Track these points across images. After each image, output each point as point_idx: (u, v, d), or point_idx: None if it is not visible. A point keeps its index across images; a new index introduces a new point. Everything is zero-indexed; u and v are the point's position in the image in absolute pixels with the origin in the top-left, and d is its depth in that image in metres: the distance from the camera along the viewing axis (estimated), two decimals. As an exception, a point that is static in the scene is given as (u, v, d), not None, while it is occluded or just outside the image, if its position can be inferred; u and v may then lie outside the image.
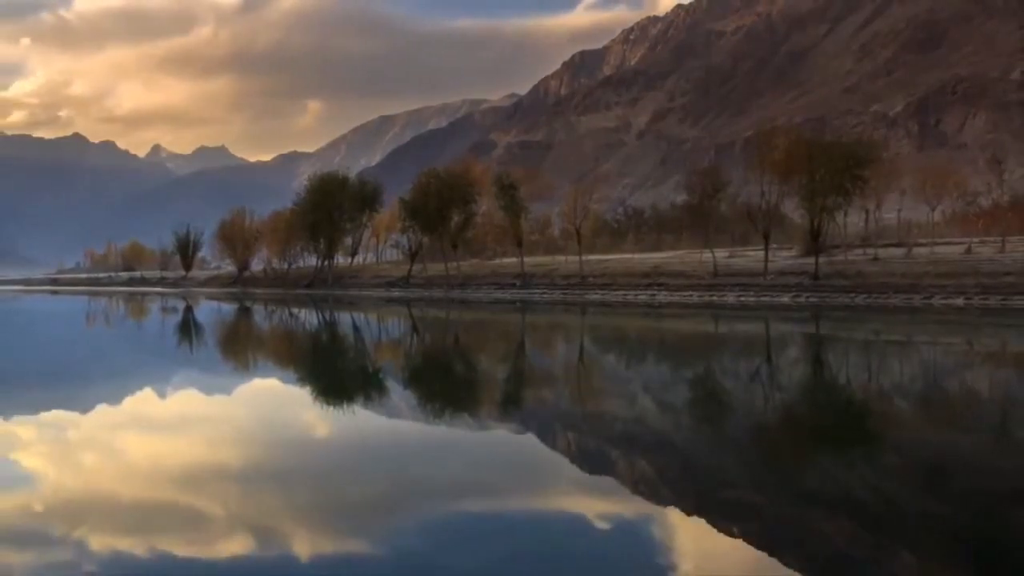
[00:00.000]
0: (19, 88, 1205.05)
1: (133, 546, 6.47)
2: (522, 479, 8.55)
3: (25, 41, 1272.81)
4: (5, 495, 8.04)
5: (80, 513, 7.46)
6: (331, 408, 13.67)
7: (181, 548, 6.48)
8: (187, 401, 14.78)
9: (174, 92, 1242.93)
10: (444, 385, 16.33)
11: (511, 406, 13.45)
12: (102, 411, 13.20)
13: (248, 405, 14.43)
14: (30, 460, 9.80)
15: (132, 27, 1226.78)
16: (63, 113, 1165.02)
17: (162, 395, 15.49)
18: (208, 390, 16.04)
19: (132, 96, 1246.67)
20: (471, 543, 6.46)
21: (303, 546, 6.51)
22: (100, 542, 6.59)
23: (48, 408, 13.18)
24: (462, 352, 23.71)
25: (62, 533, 6.83)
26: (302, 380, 17.88)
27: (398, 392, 15.51)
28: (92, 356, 24.27)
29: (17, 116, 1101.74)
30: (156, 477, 8.77)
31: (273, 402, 14.61)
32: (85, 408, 13.30)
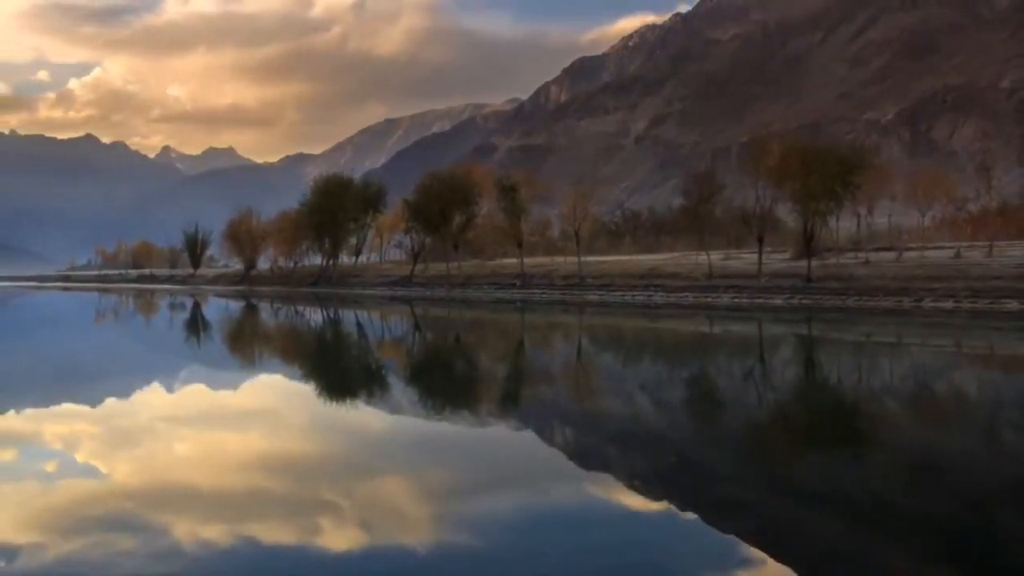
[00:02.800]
0: (86, 84, 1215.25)
1: (203, 532, 6.72)
2: (519, 474, 8.74)
3: (107, 40, 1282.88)
4: (81, 484, 8.39)
5: (162, 500, 7.71)
6: (343, 402, 14.15)
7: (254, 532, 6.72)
8: (205, 394, 15.25)
9: (241, 95, 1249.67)
10: (452, 382, 16.67)
11: (510, 403, 13.88)
12: (139, 403, 13.75)
13: (266, 399, 14.76)
14: (85, 449, 10.19)
15: (220, 33, 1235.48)
16: (119, 116, 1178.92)
17: (173, 389, 15.81)
18: (218, 384, 16.41)
19: (196, 97, 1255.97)
20: (469, 535, 6.70)
21: (331, 535, 6.74)
22: (185, 530, 6.80)
23: (83, 400, 13.56)
24: (464, 350, 23.98)
25: (148, 520, 7.07)
26: (315, 376, 18.09)
27: (408, 388, 15.86)
28: (107, 351, 24.81)
29: (77, 113, 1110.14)
30: (202, 466, 9.19)
31: (294, 396, 14.91)
32: (122, 401, 13.87)
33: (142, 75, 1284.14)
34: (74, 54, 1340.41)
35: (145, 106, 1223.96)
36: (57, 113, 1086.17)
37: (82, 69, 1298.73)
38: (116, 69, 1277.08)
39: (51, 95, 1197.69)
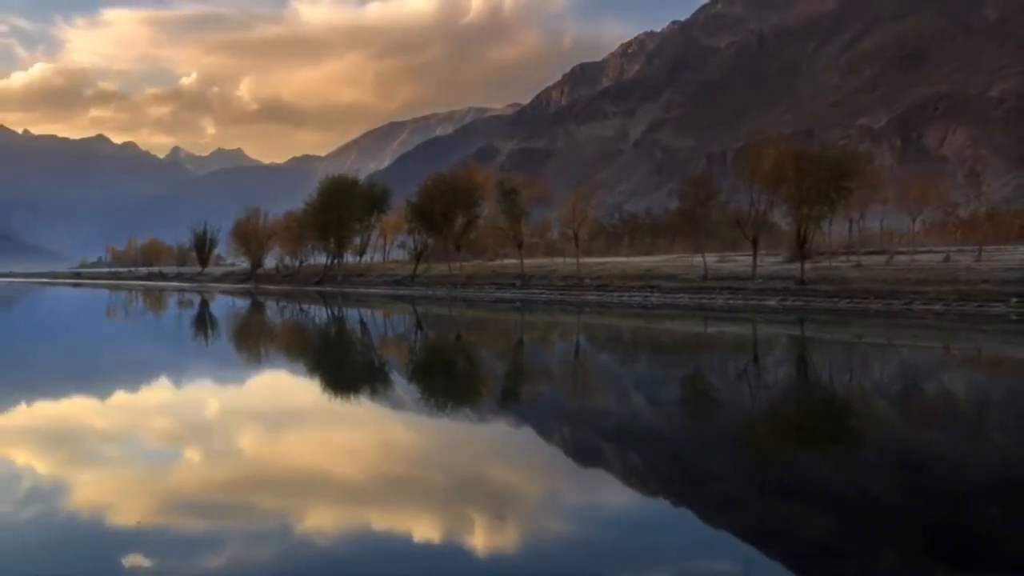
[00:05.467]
0: (175, 88, 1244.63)
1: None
2: (514, 471, 8.96)
3: (209, 46, 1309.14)
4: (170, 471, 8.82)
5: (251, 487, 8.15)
6: (349, 398, 14.69)
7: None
8: (244, 391, 15.75)
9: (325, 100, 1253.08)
10: (458, 379, 17.03)
11: (509, 401, 14.30)
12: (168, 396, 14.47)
13: (310, 396, 14.92)
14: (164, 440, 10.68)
15: (348, 37, 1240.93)
16: (204, 121, 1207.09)
17: (179, 385, 16.41)
18: (233, 382, 17.01)
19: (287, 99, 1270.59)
20: (461, 531, 6.93)
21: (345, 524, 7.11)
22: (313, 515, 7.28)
23: (104, 396, 14.18)
24: (466, 348, 24.43)
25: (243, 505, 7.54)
26: (321, 373, 18.33)
27: (411, 386, 16.29)
28: (114, 347, 25.43)
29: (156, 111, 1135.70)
30: (271, 457, 9.61)
31: (323, 392, 15.36)
32: (173, 396, 14.52)
33: (233, 78, 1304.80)
34: (178, 60, 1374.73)
35: (226, 109, 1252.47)
36: (145, 111, 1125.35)
37: (180, 74, 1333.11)
38: (206, 72, 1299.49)
39: (142, 96, 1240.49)
